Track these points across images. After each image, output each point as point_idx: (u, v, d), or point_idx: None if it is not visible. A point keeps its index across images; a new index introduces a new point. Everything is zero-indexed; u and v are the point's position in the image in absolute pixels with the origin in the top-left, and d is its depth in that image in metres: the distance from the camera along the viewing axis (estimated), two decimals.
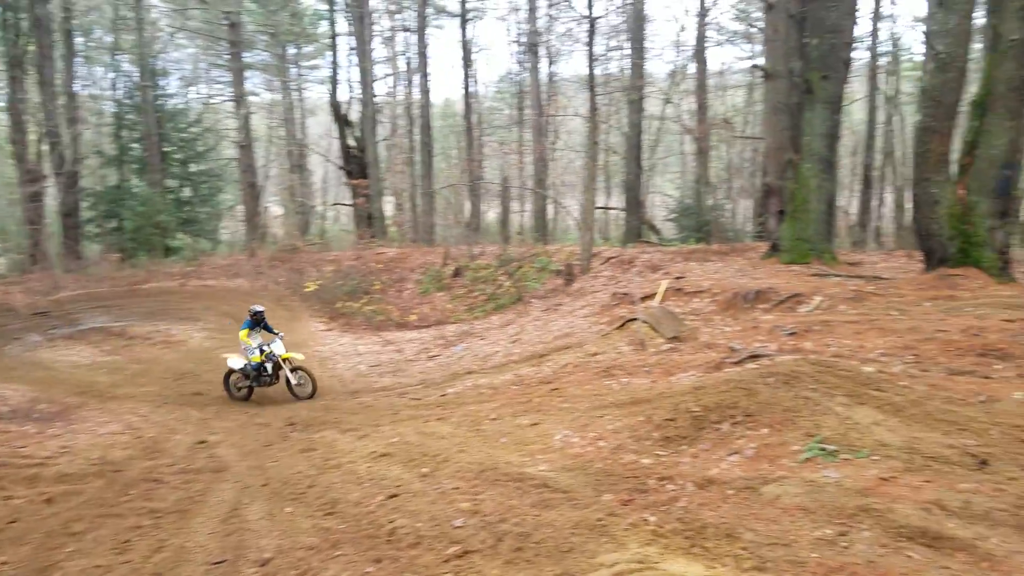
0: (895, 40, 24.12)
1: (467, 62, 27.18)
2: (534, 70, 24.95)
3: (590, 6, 14.06)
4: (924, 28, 12.42)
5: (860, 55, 23.86)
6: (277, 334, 10.83)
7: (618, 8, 20.98)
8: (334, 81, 27.87)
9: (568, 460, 4.91)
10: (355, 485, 5.27)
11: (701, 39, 23.63)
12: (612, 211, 27.68)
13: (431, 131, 27.70)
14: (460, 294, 16.90)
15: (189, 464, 6.87)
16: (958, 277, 9.57)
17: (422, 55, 26.90)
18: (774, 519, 3.41)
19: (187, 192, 26.36)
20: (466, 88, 27.24)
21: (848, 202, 26.44)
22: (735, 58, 28.14)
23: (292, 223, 25.77)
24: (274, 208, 32.93)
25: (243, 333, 10.59)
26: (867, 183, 23.83)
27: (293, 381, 10.37)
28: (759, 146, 21.21)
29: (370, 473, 5.48)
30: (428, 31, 27.81)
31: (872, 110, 23.41)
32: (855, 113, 26.06)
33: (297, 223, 25.81)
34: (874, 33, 22.75)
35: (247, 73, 27.55)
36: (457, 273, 17.91)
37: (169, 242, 23.40)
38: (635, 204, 22.93)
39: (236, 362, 10.55)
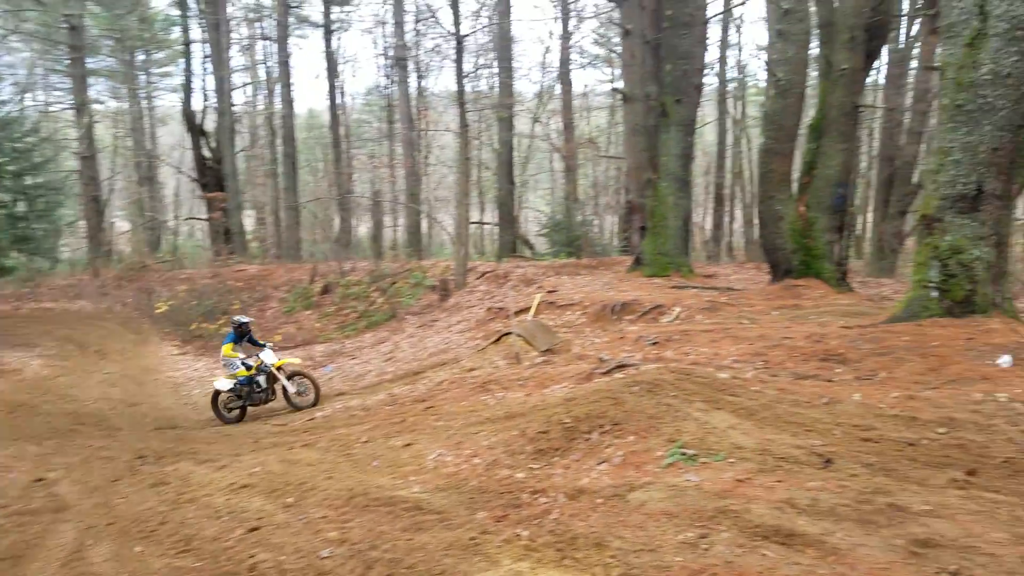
0: (741, 67, 26.14)
1: (333, 73, 26.57)
2: (403, 84, 24.79)
3: (457, 24, 14.13)
4: (766, 57, 13.49)
5: (711, 80, 25.63)
6: (264, 345, 9.98)
7: (485, 28, 21.27)
8: (188, 89, 26.32)
9: (442, 480, 4.80)
10: (212, 519, 4.88)
11: (565, 61, 24.47)
12: (486, 226, 27.93)
13: (295, 143, 26.78)
14: (330, 312, 16.35)
15: (25, 505, 6.12)
16: (802, 287, 10.41)
17: (284, 65, 26.00)
18: (640, 525, 3.48)
19: (22, 207, 23.83)
20: (332, 100, 26.58)
21: (703, 218, 28.18)
22: (598, 80, 29.34)
23: (140, 239, 23.97)
24: (120, 223, 30.47)
25: (227, 348, 9.73)
26: (719, 200, 25.56)
27: (292, 389, 9.52)
28: (622, 165, 22.18)
29: (229, 506, 5.10)
30: (290, 40, 26.94)
31: (722, 132, 25.17)
32: (707, 135, 27.90)
33: (146, 239, 24.02)
34: (722, 60, 24.52)
35: (91, 80, 25.43)
36: (326, 290, 17.33)
37: (1, 262, 21.04)
38: (508, 219, 23.25)
39: (224, 383, 9.75)
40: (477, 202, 26.65)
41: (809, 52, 11.48)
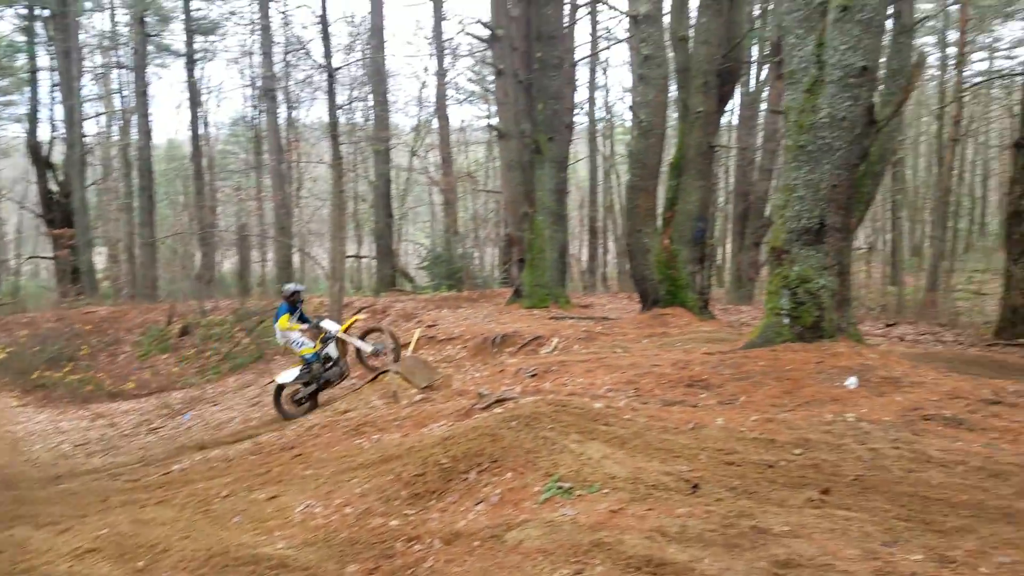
0: (609, 107, 27.43)
1: (195, 103, 25.38)
2: (272, 114, 24.02)
3: (328, 56, 13.88)
4: (631, 99, 14.21)
5: (582, 119, 26.70)
6: (319, 319, 8.90)
7: (358, 61, 21.09)
8: (33, 119, 24.37)
9: (310, 533, 4.51)
10: None
11: (442, 97, 24.67)
12: (364, 259, 27.37)
13: (152, 175, 25.24)
14: (189, 355, 15.31)
15: None
16: (669, 316, 10.88)
17: (142, 95, 24.56)
18: (517, 566, 3.40)
19: None
20: (195, 130, 25.33)
21: (579, 250, 29.07)
22: (475, 116, 29.84)
23: None
24: None
25: (282, 321, 8.71)
26: (593, 233, 26.49)
27: (368, 349, 8.64)
28: (500, 199, 22.52)
29: (72, 574, 4.57)
30: (149, 70, 25.55)
31: (593, 168, 26.23)
32: (580, 170, 28.97)
33: None
34: (591, 101, 25.65)
35: None
36: (185, 331, 16.25)
37: None
38: (387, 253, 22.89)
39: (287, 375, 8.89)
40: (354, 235, 26.10)
41: (668, 95, 12.19)
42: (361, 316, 9.77)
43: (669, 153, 12.75)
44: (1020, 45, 23.71)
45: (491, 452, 4.82)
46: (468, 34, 21.29)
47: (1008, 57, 24.02)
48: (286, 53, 23.47)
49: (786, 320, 6.96)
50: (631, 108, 13.10)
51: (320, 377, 8.97)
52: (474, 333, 10.64)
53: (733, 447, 4.46)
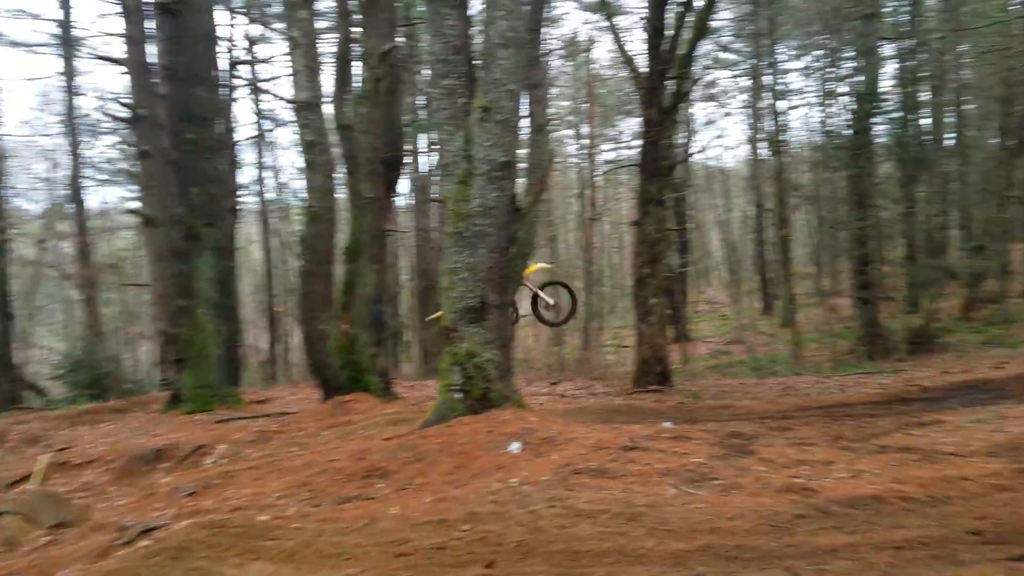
0: (282, 187, 26.64)
1: None
2: None
3: None
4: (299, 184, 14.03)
5: (252, 200, 25.64)
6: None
7: None
8: None
9: None
10: None
11: (76, 178, 21.63)
12: None
13: None
14: None
15: None
16: (351, 403, 10.59)
17: None
18: None
19: None
20: None
21: (258, 339, 27.42)
22: (119, 199, 26.71)
23: None
24: None
25: None
26: (272, 320, 25.19)
27: (550, 301, 8.89)
28: (151, 292, 20.23)
29: None
30: None
31: (268, 251, 25.10)
32: (255, 253, 27.59)
33: None
34: (261, 181, 24.75)
35: None
36: None
37: None
38: (6, 364, 18.83)
39: None
40: None
41: (337, 180, 12.24)
42: (546, 265, 10.17)
43: (342, 238, 12.74)
44: (637, 138, 28.95)
45: None
46: (106, 113, 19.11)
47: (629, 147, 29.07)
48: None
49: (458, 395, 7.21)
50: (301, 194, 12.90)
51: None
52: (120, 452, 9.13)
53: (406, 536, 4.35)
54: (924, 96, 21.24)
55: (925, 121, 21.61)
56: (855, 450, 6.01)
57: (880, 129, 19.50)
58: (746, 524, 4.22)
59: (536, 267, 9.56)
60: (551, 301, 9.30)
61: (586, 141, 25.47)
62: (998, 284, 18.98)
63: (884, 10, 18.96)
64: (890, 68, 20.67)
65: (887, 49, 19.71)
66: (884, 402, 9.24)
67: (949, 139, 22.29)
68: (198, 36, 12.63)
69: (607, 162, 28.06)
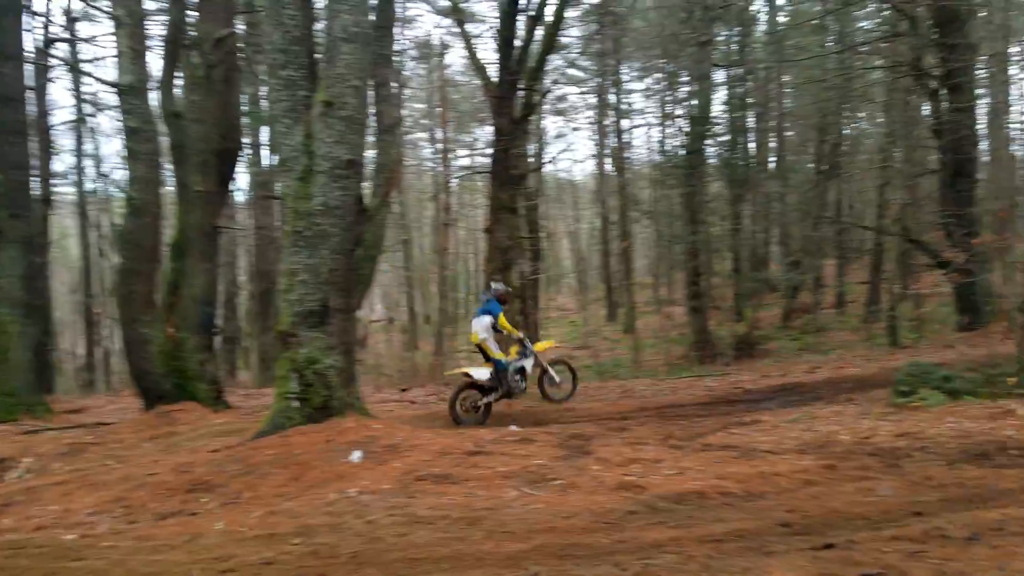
0: (104, 178, 24.10)
1: None
2: None
3: None
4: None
5: (68, 190, 23.15)
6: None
7: None
8: None
9: None
10: None
11: None
12: None
13: None
14: None
15: None
16: (177, 412, 9.79)
17: None
18: None
19: None
20: None
21: (75, 343, 24.89)
22: None
23: None
24: None
25: (503, 319, 8.78)
26: (91, 323, 22.86)
27: (557, 379, 9.05)
28: None
29: None
30: None
31: (86, 246, 22.72)
32: (72, 248, 24.93)
33: None
34: (80, 169, 22.32)
35: None
36: None
37: None
38: None
39: (481, 372, 8.77)
40: None
41: (163, 171, 11.31)
42: (554, 343, 10.01)
43: (169, 234, 11.78)
44: (490, 146, 29.09)
45: None
46: None
47: (484, 155, 29.23)
48: None
49: (296, 403, 6.88)
50: (123, 186, 11.79)
51: (504, 387, 8.80)
52: None
53: (231, 552, 4.06)
54: (750, 122, 23.22)
55: (751, 145, 23.65)
56: (683, 448, 6.40)
57: (711, 151, 21.07)
58: (581, 522, 4.34)
59: (550, 343, 9.96)
60: (558, 379, 9.47)
61: (440, 146, 25.47)
62: (812, 296, 21.07)
63: (717, 39, 20.52)
64: (721, 94, 22.42)
65: (719, 76, 21.35)
66: (711, 403, 9.91)
67: (772, 162, 24.51)
68: (4, 8, 11.25)
69: (462, 168, 28.22)
